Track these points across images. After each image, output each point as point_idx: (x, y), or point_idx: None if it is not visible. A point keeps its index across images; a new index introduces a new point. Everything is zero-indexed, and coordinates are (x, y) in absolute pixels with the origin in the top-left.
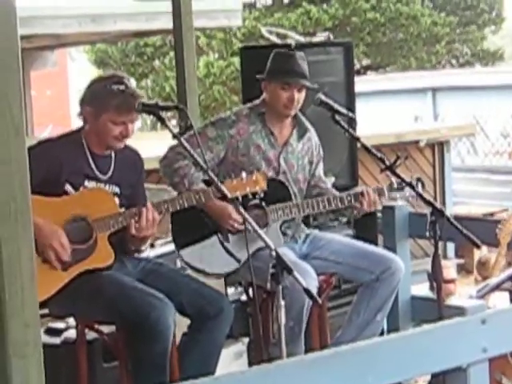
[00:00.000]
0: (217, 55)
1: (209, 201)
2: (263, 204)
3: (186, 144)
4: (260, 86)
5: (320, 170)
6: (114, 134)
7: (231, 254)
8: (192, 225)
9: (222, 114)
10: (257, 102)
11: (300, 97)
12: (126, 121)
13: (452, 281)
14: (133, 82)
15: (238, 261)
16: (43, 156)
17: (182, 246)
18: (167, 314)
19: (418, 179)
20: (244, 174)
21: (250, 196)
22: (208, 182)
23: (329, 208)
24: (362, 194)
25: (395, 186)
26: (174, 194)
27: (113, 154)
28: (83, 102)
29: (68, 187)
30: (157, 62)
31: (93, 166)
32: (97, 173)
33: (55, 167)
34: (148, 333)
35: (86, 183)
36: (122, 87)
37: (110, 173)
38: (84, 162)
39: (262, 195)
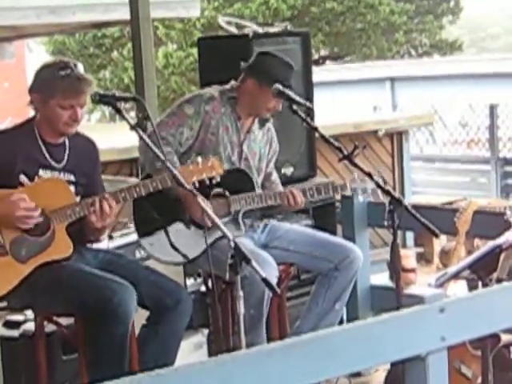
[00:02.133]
0: (176, 46)
1: (166, 188)
2: (226, 193)
3: (143, 135)
4: (218, 75)
5: (272, 164)
6: (63, 119)
7: (177, 250)
8: (154, 212)
9: (196, 92)
10: (227, 86)
11: None
12: (74, 104)
13: (412, 270)
14: (80, 67)
15: (184, 256)
16: None
17: (144, 234)
18: (128, 297)
19: (380, 175)
20: (199, 159)
21: (208, 181)
22: None
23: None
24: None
25: (357, 179)
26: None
27: (67, 142)
28: (31, 89)
29: (23, 178)
30: (115, 53)
31: (46, 154)
32: (51, 161)
33: (9, 159)
34: (110, 316)
35: (41, 172)
36: (67, 71)
37: (64, 161)
38: (37, 151)
39: (218, 180)
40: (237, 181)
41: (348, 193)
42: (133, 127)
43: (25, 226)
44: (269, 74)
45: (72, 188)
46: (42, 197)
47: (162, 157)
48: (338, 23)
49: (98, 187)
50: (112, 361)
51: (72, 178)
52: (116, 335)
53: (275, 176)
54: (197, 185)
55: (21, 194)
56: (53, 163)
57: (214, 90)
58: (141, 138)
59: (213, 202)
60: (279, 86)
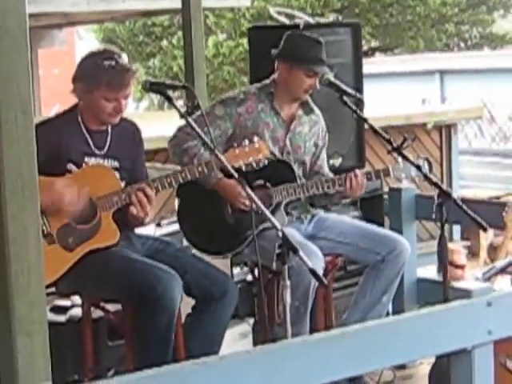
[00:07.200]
0: (225, 35)
1: (211, 173)
2: (268, 185)
3: (192, 123)
4: (269, 66)
5: (323, 155)
6: (107, 110)
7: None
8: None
9: (230, 93)
10: (266, 81)
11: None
12: (118, 97)
13: (461, 267)
14: (124, 58)
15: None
16: (42, 138)
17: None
18: (174, 286)
19: (426, 159)
20: (246, 142)
21: (254, 165)
22: None
23: (327, 190)
24: (348, 176)
25: (401, 166)
26: None
27: (109, 128)
28: (75, 78)
29: (71, 166)
30: (165, 42)
31: (89, 141)
32: (93, 148)
33: (55, 148)
34: (154, 304)
35: (86, 160)
36: (112, 63)
37: (106, 147)
38: (81, 139)
39: (262, 165)
40: (278, 172)
41: (391, 177)
42: (183, 115)
43: (73, 209)
44: (296, 54)
45: (117, 174)
46: (88, 184)
47: (211, 144)
48: (386, 15)
49: (143, 171)
50: (157, 348)
51: (116, 163)
52: (161, 323)
53: (327, 171)
54: (243, 169)
55: (66, 179)
56: (95, 150)
57: (252, 89)
58: (190, 126)
59: (255, 194)
60: (329, 76)
